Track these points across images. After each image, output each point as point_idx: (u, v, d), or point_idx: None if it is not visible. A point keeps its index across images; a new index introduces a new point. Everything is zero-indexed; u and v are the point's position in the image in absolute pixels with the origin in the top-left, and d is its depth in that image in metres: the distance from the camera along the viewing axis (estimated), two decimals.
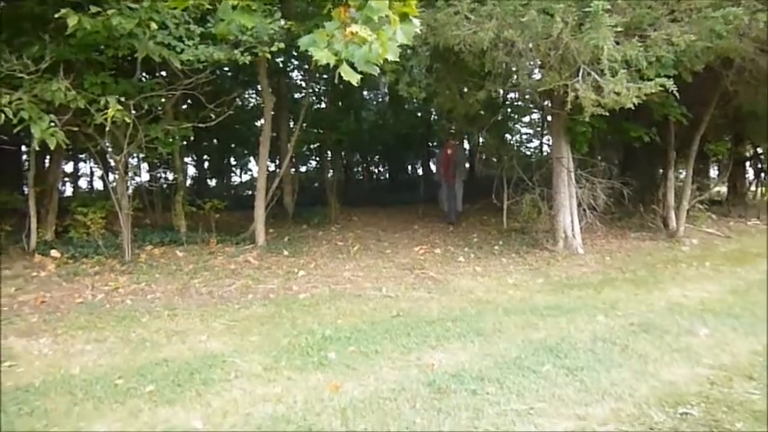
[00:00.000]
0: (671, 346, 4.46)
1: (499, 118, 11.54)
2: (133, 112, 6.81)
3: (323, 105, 14.41)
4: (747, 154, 13.45)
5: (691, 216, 10.38)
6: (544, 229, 9.15)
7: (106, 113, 6.02)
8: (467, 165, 11.73)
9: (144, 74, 8.20)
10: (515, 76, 7.97)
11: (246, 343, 4.76)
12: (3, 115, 5.45)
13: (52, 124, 5.79)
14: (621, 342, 4.57)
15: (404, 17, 2.72)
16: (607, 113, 6.73)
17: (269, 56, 7.38)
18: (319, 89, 14.23)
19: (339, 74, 2.67)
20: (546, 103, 9.64)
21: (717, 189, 13.79)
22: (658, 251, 8.83)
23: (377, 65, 2.70)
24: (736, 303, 5.67)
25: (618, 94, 6.24)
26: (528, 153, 17.27)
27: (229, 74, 12.40)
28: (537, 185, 9.31)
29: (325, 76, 12.70)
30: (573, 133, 8.81)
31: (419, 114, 15.84)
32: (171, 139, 8.37)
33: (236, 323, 5.33)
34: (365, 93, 16.39)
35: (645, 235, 9.88)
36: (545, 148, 17.17)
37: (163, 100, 8.16)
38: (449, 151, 11.49)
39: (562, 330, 4.94)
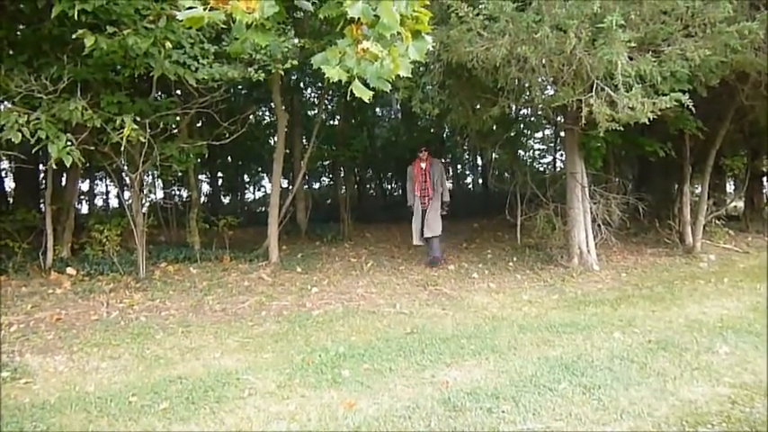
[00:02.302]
0: (690, 365, 4.38)
1: (512, 134, 11.52)
2: (148, 130, 6.88)
3: (336, 122, 14.50)
4: (764, 169, 13.30)
5: (708, 231, 10.26)
6: (558, 245, 9.09)
7: (122, 132, 6.10)
8: (447, 183, 8.97)
9: (159, 93, 8.31)
10: (528, 92, 7.96)
11: (260, 360, 4.75)
12: (21, 134, 5.55)
13: (69, 143, 5.87)
14: (639, 360, 4.50)
15: (416, 34, 2.73)
16: (621, 128, 6.71)
17: (282, 73, 7.46)
18: (332, 106, 14.33)
19: (351, 90, 2.68)
20: (559, 118, 9.62)
21: (734, 204, 13.63)
22: (675, 267, 8.72)
23: (389, 81, 2.71)
24: (757, 320, 5.57)
25: (632, 108, 6.21)
26: (541, 168, 17.24)
27: (243, 92, 12.56)
28: (551, 201, 9.27)
29: (338, 93, 12.80)
30: (587, 148, 8.77)
31: (432, 130, 15.88)
32: (186, 157, 8.46)
33: (249, 340, 5.32)
34: (378, 109, 16.47)
35: (661, 251, 9.77)
36: (558, 163, 17.18)
37: (178, 118, 8.27)
38: (422, 165, 9.05)
39: (578, 348, 4.88)
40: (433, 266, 8.59)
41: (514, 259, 9.17)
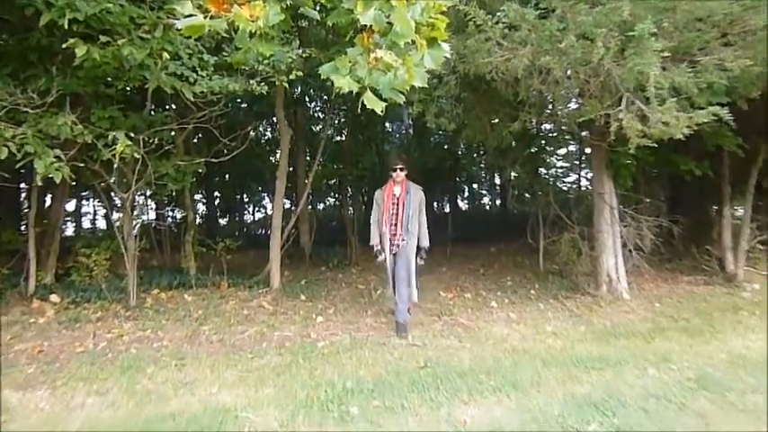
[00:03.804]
0: (735, 406, 4.31)
1: (533, 150, 11.53)
2: (142, 146, 6.94)
3: (343, 138, 14.58)
4: None
5: (751, 258, 10.16)
6: (585, 272, 9.03)
7: (114, 149, 6.15)
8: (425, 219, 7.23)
9: (154, 107, 8.39)
10: (551, 106, 7.98)
11: (261, 395, 4.72)
12: (6, 150, 5.60)
13: (56, 159, 5.91)
14: (677, 399, 4.44)
15: (432, 42, 2.75)
16: (655, 145, 6.69)
17: (286, 85, 7.53)
18: (339, 121, 14.43)
19: (361, 103, 2.69)
20: (584, 134, 9.62)
21: None
22: (715, 297, 8.63)
23: (403, 93, 2.72)
24: None
25: (666, 123, 6.20)
26: (565, 188, 17.21)
27: (244, 105, 12.67)
28: (576, 224, 9.23)
29: (344, 107, 12.89)
30: (615, 166, 8.76)
31: (446, 147, 15.92)
32: (182, 176, 8.51)
33: (249, 374, 5.30)
34: (387, 125, 16.55)
35: (699, 279, 9.68)
36: (583, 182, 17.13)
37: (174, 134, 8.34)
38: (395, 189, 7.14)
39: (608, 385, 4.82)
40: (403, 334, 6.52)
41: (536, 287, 9.12)
